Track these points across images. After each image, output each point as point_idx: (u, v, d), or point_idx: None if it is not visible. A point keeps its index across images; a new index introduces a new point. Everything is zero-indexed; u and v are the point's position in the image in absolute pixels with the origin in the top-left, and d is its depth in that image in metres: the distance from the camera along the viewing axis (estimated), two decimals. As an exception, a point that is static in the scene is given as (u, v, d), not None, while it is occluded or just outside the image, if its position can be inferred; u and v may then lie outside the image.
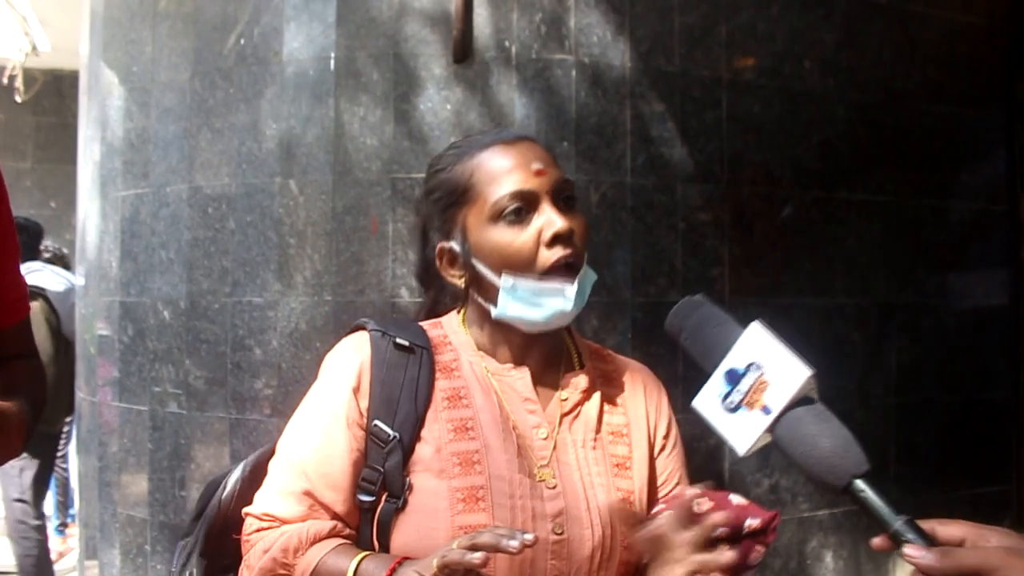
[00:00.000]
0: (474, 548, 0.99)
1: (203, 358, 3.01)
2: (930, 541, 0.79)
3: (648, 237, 2.91)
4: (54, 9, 5.80)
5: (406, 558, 1.10)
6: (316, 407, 1.26)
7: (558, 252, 1.19)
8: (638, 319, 2.87)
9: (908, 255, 3.42)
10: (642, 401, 1.34)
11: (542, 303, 1.20)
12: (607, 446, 1.27)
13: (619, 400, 1.32)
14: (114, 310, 3.28)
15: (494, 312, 1.23)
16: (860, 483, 0.83)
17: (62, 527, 5.47)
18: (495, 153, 1.25)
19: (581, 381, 1.28)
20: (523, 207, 1.20)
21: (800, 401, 0.87)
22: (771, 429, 0.87)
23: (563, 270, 1.20)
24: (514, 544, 0.97)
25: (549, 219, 1.19)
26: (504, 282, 1.21)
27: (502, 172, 1.22)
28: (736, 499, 1.11)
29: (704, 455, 2.81)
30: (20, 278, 1.41)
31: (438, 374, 1.25)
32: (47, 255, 4.92)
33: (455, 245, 1.26)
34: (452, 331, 1.31)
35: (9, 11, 5.87)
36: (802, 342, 2.94)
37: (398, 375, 1.23)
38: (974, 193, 3.57)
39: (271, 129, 2.92)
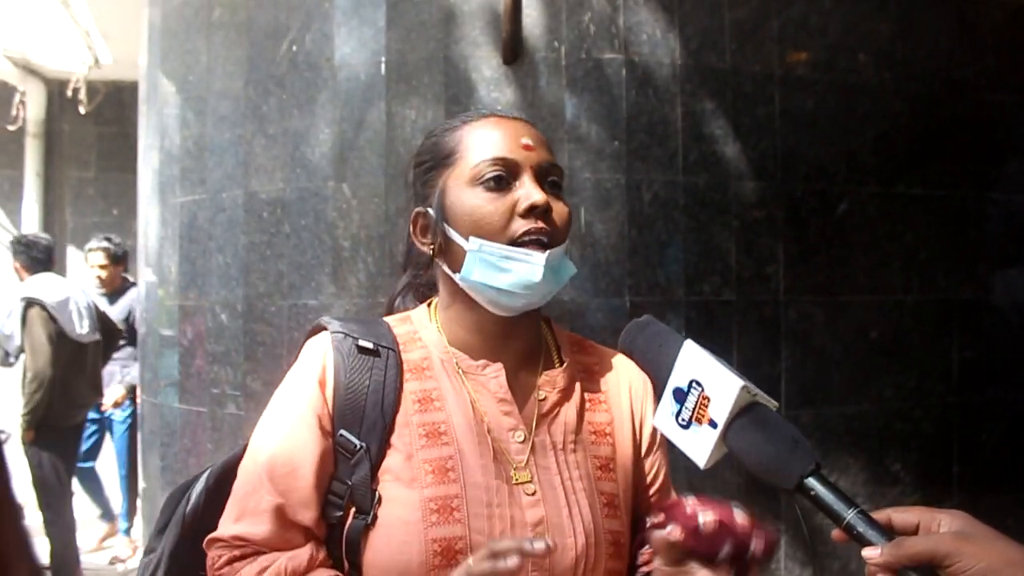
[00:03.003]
0: (495, 555, 0.95)
1: (260, 360, 3.07)
2: (882, 530, 0.80)
3: (701, 236, 2.89)
4: (115, 23, 5.95)
5: None
6: (281, 416, 1.17)
7: (530, 223, 1.14)
8: (692, 318, 2.85)
9: (969, 250, 3.34)
10: (627, 397, 1.27)
11: (508, 268, 1.13)
12: (589, 447, 1.20)
13: (602, 396, 1.25)
14: (174, 313, 3.36)
15: (458, 278, 1.17)
16: (810, 481, 0.84)
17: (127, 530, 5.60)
18: (486, 123, 1.21)
19: (559, 379, 1.22)
20: (503, 175, 1.16)
21: (748, 408, 0.89)
22: (723, 440, 0.89)
23: (533, 244, 1.14)
24: (539, 546, 0.94)
25: (528, 191, 1.15)
26: (471, 244, 1.14)
27: (489, 140, 1.18)
28: (739, 514, 1.06)
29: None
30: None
31: (407, 375, 1.18)
32: (100, 252, 5.29)
33: (430, 210, 1.21)
34: (422, 326, 1.24)
35: (73, 26, 6.04)
36: (860, 340, 2.89)
37: (363, 380, 1.15)
38: (1038, 185, 3.47)
39: (324, 134, 2.96)
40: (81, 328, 4.53)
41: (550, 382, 1.22)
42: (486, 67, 2.84)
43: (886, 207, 3.17)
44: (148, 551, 1.29)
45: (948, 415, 3.25)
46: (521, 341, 1.23)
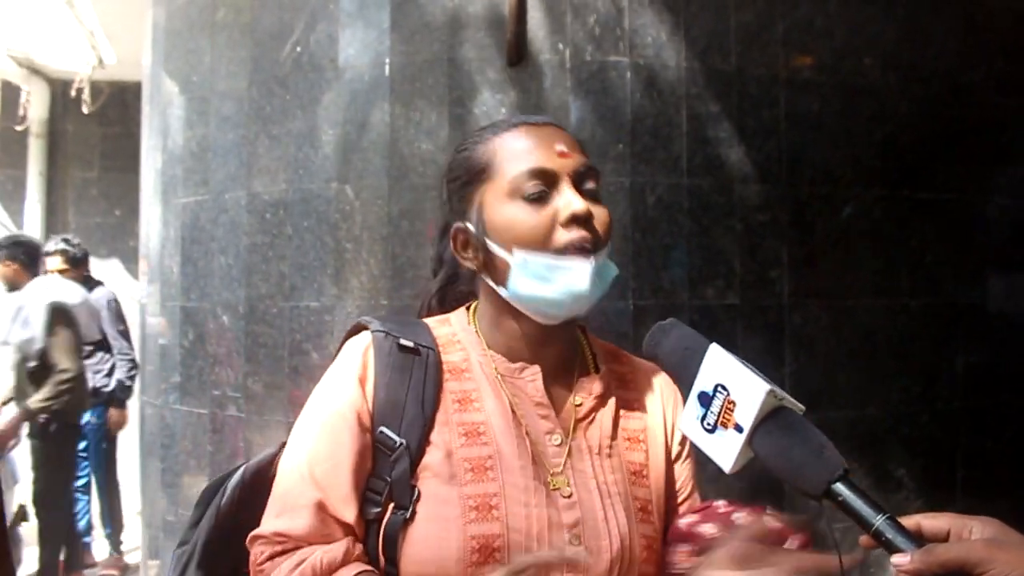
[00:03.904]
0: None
1: (261, 362, 3.06)
2: (911, 537, 0.79)
3: (705, 239, 2.88)
4: (120, 23, 5.95)
5: None
6: (322, 412, 1.18)
7: (575, 233, 1.13)
8: (696, 322, 2.84)
9: (975, 254, 3.32)
10: (659, 405, 1.28)
11: (555, 279, 1.13)
12: (624, 452, 1.22)
13: (635, 404, 1.27)
14: (175, 315, 3.35)
15: (505, 293, 1.18)
16: (838, 486, 0.84)
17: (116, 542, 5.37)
18: (518, 133, 1.20)
19: (596, 386, 1.23)
20: (542, 186, 1.15)
21: (774, 412, 0.88)
22: (750, 444, 0.89)
23: (578, 251, 1.13)
24: (580, 553, 0.95)
25: (568, 200, 1.14)
26: (515, 257, 1.15)
27: (523, 151, 1.17)
28: (771, 516, 1.06)
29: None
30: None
31: (447, 375, 1.19)
32: (57, 255, 5.01)
33: (470, 225, 1.20)
34: (461, 328, 1.25)
35: (77, 26, 6.04)
36: (865, 344, 2.88)
37: (403, 378, 1.16)
38: (1045, 190, 3.45)
39: (327, 135, 2.95)
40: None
41: (586, 388, 1.23)
42: (491, 69, 2.83)
43: (892, 211, 3.15)
44: (181, 543, 1.31)
45: (953, 420, 3.24)
46: (559, 348, 1.24)
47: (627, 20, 2.84)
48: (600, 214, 1.17)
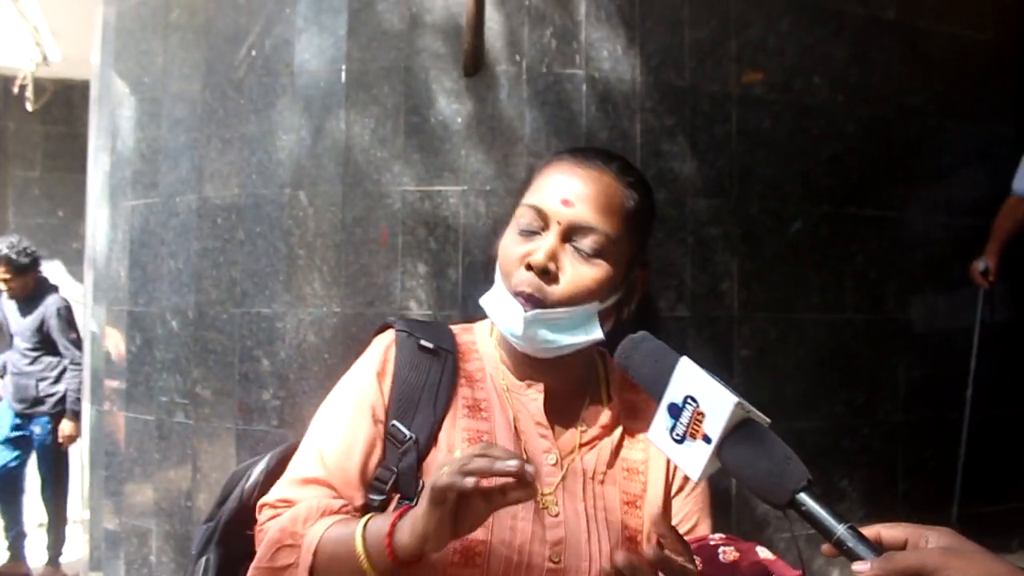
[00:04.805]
0: (466, 473, 0.94)
1: (211, 368, 3.02)
2: (871, 546, 0.82)
3: (657, 251, 2.91)
4: (65, 20, 5.83)
5: (410, 507, 1.05)
6: (342, 399, 1.24)
7: (524, 279, 1.16)
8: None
9: (917, 271, 3.41)
10: None
11: (501, 312, 1.19)
12: (620, 482, 1.22)
13: (641, 435, 1.25)
14: (122, 320, 3.29)
15: (480, 300, 1.23)
16: (802, 496, 0.86)
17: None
18: (560, 164, 1.23)
19: (604, 416, 1.24)
20: (535, 224, 1.19)
21: (742, 424, 0.91)
22: (717, 455, 0.91)
23: (523, 298, 1.16)
24: (511, 464, 0.93)
25: (539, 246, 1.16)
26: (496, 276, 1.22)
27: (543, 184, 1.21)
28: (763, 552, 1.08)
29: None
30: None
31: (462, 381, 1.23)
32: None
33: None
34: (482, 339, 1.30)
35: (21, 21, 5.90)
36: (811, 357, 2.93)
37: (420, 377, 1.21)
38: (984, 209, 3.56)
39: (281, 140, 2.93)
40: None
41: (594, 417, 1.25)
42: (447, 79, 2.83)
43: (838, 227, 3.23)
44: (207, 520, 1.38)
45: (895, 433, 3.32)
46: (563, 373, 1.24)
47: (583, 33, 2.87)
48: (579, 274, 1.16)
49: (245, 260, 2.97)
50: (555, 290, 1.16)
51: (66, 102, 7.35)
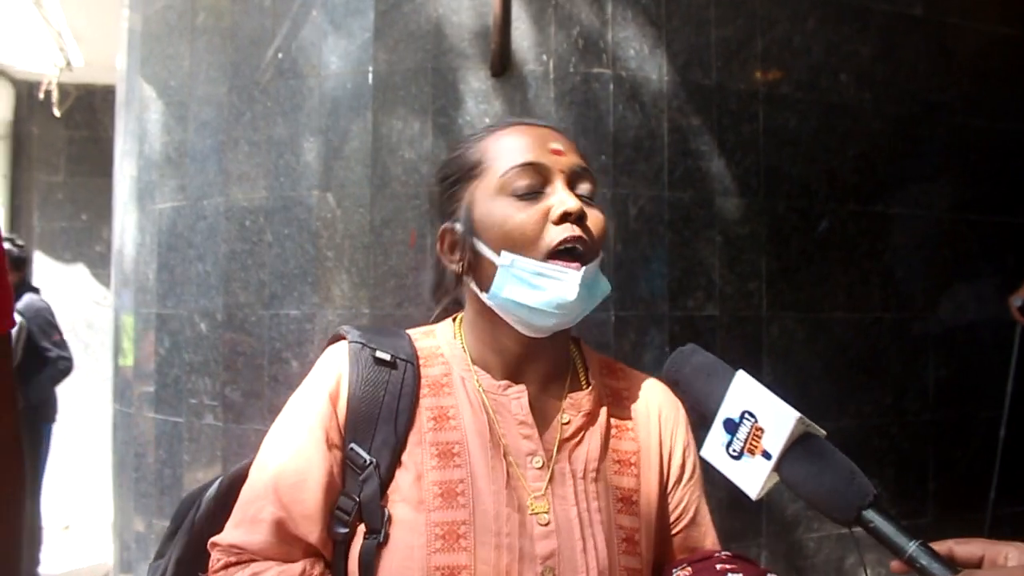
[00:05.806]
0: None
1: (240, 371, 3.03)
2: (946, 564, 0.79)
3: (685, 251, 2.90)
4: (89, 25, 5.87)
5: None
6: (293, 424, 1.12)
7: (566, 231, 1.06)
8: (676, 333, 2.86)
9: (944, 269, 3.39)
10: (656, 424, 1.20)
11: (541, 286, 1.06)
12: (612, 477, 1.13)
13: (630, 424, 1.18)
14: (151, 322, 3.31)
15: (487, 297, 1.10)
16: (869, 513, 0.84)
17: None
18: (512, 131, 1.14)
19: (585, 402, 1.15)
20: (534, 182, 1.09)
21: (801, 439, 0.89)
22: (777, 471, 0.90)
23: (569, 254, 1.06)
24: None
25: (560, 197, 1.07)
26: (503, 259, 1.07)
27: (516, 147, 1.11)
28: None
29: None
30: (6, 288, 1.14)
31: (425, 390, 1.12)
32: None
33: (457, 225, 1.14)
34: (445, 341, 1.18)
35: (45, 27, 5.95)
36: (839, 356, 2.91)
37: (377, 393, 1.10)
38: (1012, 207, 3.53)
39: (308, 142, 2.94)
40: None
41: (575, 405, 1.15)
42: (474, 79, 2.84)
43: (865, 225, 3.21)
44: (158, 556, 1.27)
45: (924, 432, 3.29)
46: (547, 362, 1.16)
47: (610, 33, 2.87)
48: (595, 218, 1.10)
49: (273, 262, 2.98)
50: (591, 237, 1.09)
51: (89, 107, 7.40)
